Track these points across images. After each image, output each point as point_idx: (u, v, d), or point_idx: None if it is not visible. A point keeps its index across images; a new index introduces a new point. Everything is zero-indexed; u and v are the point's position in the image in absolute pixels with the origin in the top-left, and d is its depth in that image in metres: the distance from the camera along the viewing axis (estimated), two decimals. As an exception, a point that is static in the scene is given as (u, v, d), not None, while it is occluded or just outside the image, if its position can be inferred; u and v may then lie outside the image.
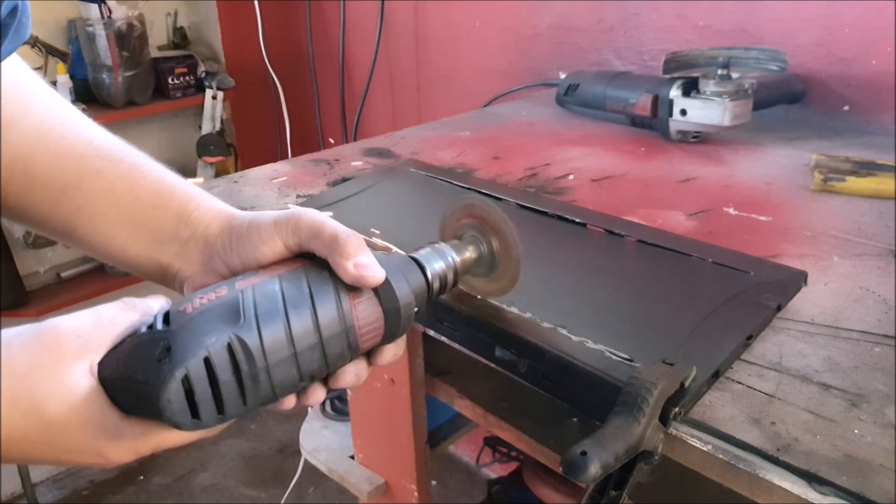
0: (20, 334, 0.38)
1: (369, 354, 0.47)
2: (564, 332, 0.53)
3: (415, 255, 0.49)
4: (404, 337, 0.48)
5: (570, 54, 1.41)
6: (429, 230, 0.56)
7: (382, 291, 0.44)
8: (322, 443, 1.09)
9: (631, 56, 1.31)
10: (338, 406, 1.15)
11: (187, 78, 2.02)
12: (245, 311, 0.40)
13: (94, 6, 1.81)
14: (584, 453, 0.40)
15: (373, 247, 0.46)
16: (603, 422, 0.44)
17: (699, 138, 1.01)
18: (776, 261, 0.65)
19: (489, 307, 0.57)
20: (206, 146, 2.06)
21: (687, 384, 0.46)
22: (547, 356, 0.52)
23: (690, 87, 0.99)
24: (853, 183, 0.80)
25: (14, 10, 0.49)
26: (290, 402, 0.44)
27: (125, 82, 1.90)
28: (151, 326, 0.40)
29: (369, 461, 0.99)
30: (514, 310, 0.57)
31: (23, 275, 1.94)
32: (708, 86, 0.96)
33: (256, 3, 1.99)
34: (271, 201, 0.84)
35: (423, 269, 0.48)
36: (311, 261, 0.45)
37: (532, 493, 1.09)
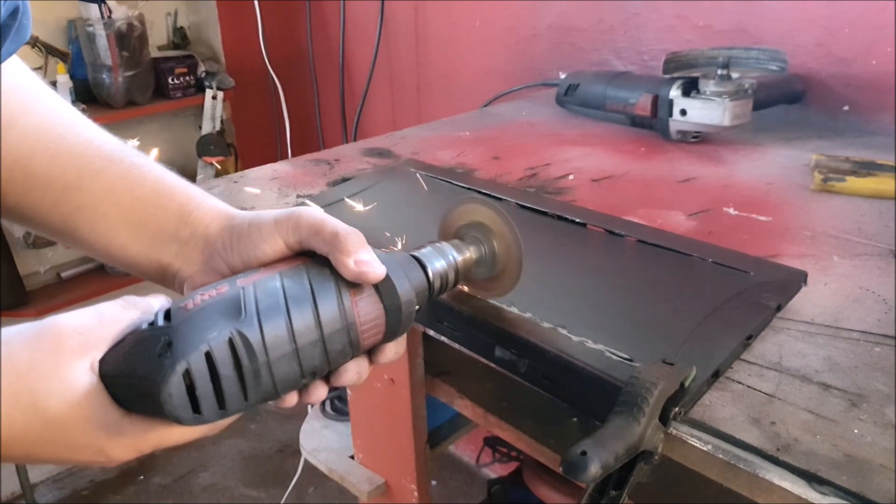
0: (21, 332, 0.38)
1: (371, 352, 0.47)
2: (564, 332, 0.53)
3: (416, 253, 0.50)
4: (405, 336, 0.48)
5: (570, 54, 1.41)
6: (429, 230, 0.56)
7: (383, 288, 0.44)
8: (322, 443, 1.09)
9: (631, 56, 1.31)
10: (338, 406, 1.15)
11: (187, 78, 2.02)
12: (246, 306, 0.40)
13: (94, 6, 1.80)
14: (584, 453, 0.40)
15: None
16: (603, 422, 0.44)
17: (699, 138, 1.01)
18: (776, 261, 0.65)
19: (489, 307, 0.57)
20: (206, 146, 2.06)
21: (687, 384, 0.46)
22: (547, 356, 0.52)
23: (690, 87, 0.99)
24: (853, 183, 0.80)
25: (14, 12, 0.49)
26: (291, 399, 0.44)
27: (125, 82, 1.90)
28: (152, 323, 0.40)
29: (369, 461, 0.99)
30: (514, 310, 0.57)
31: (23, 275, 1.94)
32: (708, 86, 0.96)
33: (256, 3, 1.99)
34: (271, 201, 0.84)
35: (424, 267, 0.48)
36: (312, 258, 0.45)
37: (532, 493, 1.09)
